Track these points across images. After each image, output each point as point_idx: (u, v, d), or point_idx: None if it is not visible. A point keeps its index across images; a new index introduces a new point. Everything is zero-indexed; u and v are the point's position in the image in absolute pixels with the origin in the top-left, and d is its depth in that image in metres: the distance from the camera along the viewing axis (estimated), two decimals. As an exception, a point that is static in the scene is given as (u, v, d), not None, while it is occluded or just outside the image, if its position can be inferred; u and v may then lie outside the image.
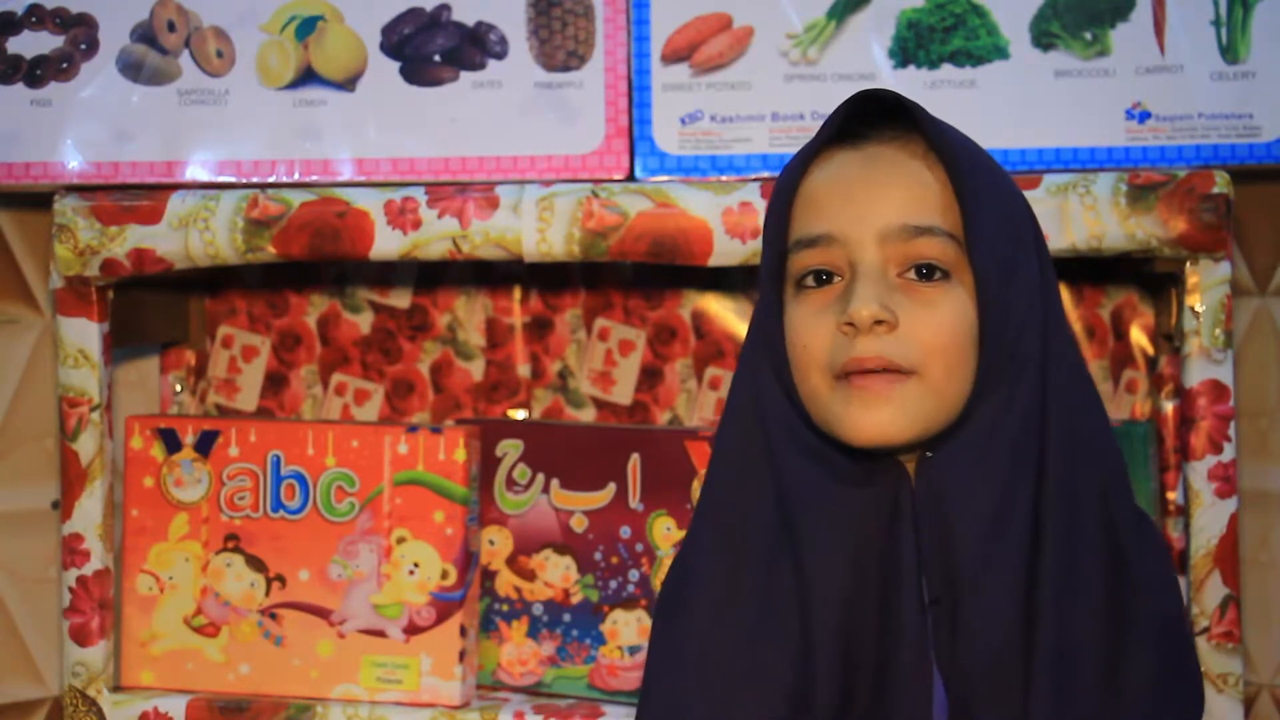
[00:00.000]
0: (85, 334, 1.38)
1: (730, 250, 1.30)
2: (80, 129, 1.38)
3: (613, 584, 1.39)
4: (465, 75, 1.36)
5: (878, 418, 0.92)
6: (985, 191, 0.95)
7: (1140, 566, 0.96)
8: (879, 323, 0.92)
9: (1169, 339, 1.50)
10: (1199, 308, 1.28)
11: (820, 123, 0.98)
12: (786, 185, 0.98)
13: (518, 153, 1.36)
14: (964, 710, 0.92)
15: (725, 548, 0.98)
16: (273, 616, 1.40)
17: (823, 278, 0.95)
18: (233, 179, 1.37)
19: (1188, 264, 1.28)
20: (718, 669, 0.96)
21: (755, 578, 0.96)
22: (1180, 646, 0.97)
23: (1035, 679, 0.91)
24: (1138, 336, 1.57)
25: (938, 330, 0.92)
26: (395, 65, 1.37)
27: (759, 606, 0.96)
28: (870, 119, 0.98)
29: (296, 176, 1.37)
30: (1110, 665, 0.93)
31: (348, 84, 1.37)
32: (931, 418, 0.93)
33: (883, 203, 0.94)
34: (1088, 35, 1.32)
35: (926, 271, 0.93)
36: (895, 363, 0.92)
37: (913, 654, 0.93)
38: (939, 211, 0.94)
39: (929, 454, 0.94)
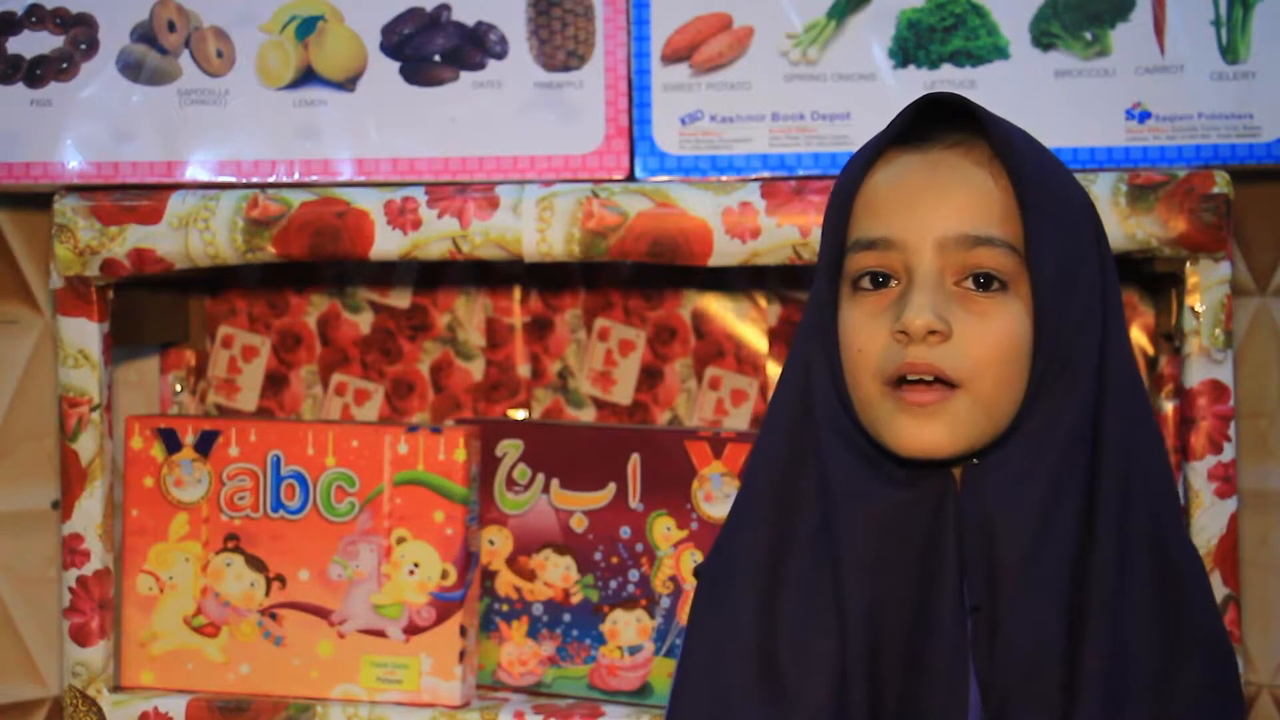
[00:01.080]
0: (85, 334, 1.38)
1: (730, 250, 1.30)
2: (80, 129, 1.38)
3: (613, 584, 1.39)
4: (465, 75, 1.36)
5: (927, 434, 0.92)
6: (1049, 202, 0.94)
7: (1191, 583, 0.95)
8: (932, 332, 0.91)
9: (1169, 339, 1.50)
10: (1199, 308, 1.28)
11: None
12: (848, 183, 0.97)
13: (518, 153, 1.36)
14: (999, 718, 0.92)
15: (770, 538, 0.97)
16: (273, 616, 1.40)
17: (879, 280, 0.95)
18: (233, 179, 1.37)
19: (1188, 264, 1.28)
20: (763, 659, 0.95)
21: (800, 572, 0.96)
22: (1229, 667, 0.97)
23: (1083, 689, 0.91)
24: (1138, 336, 1.57)
25: (991, 343, 0.92)
26: (395, 65, 1.37)
27: (803, 600, 0.95)
28: (935, 122, 0.97)
29: (296, 176, 1.37)
30: (1161, 679, 0.93)
31: (348, 84, 1.37)
32: (980, 430, 0.92)
33: (944, 210, 0.93)
34: (1088, 35, 1.32)
35: (984, 282, 0.93)
36: (945, 373, 0.91)
37: (949, 659, 0.92)
38: (1000, 221, 0.93)
39: (975, 461, 0.94)
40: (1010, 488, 0.93)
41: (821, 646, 0.94)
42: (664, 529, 1.38)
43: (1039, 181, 0.94)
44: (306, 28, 1.37)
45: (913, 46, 1.33)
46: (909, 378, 0.92)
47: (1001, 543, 0.92)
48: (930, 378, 0.92)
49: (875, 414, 0.94)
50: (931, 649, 0.93)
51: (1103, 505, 0.93)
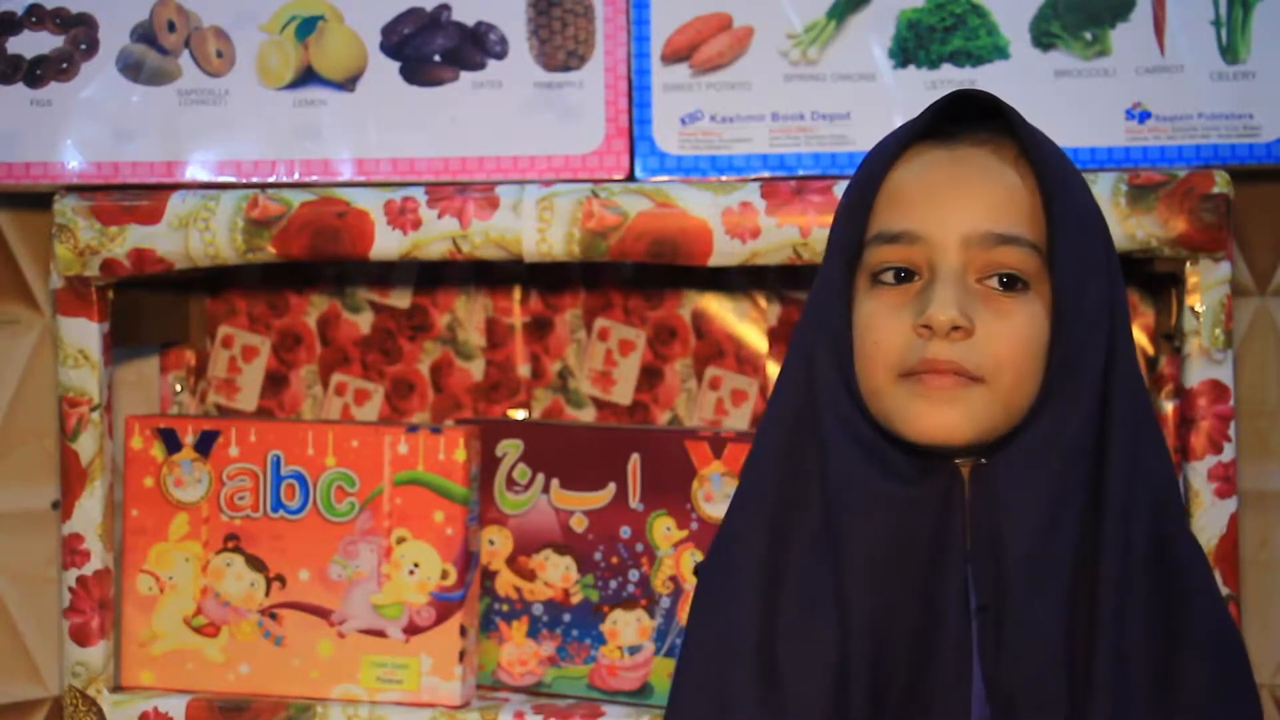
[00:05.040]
0: (85, 334, 1.38)
1: (730, 250, 1.30)
2: (80, 129, 1.38)
3: (613, 584, 1.39)
4: (465, 75, 1.36)
5: (943, 417, 0.91)
6: (1072, 205, 0.94)
7: (1196, 583, 0.95)
8: (956, 328, 0.91)
9: (1169, 339, 1.50)
10: (1199, 308, 1.28)
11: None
12: (871, 175, 0.97)
13: (518, 153, 1.36)
14: (1006, 719, 0.92)
15: (770, 536, 0.97)
16: (273, 616, 1.40)
17: (901, 275, 0.94)
18: (233, 179, 1.37)
19: (1188, 264, 1.28)
20: (762, 659, 0.95)
21: (801, 566, 0.95)
22: (1239, 663, 0.97)
23: (1095, 691, 0.90)
24: (1138, 336, 1.57)
25: (1012, 342, 0.92)
26: (395, 65, 1.37)
27: (804, 597, 0.95)
28: (962, 119, 0.97)
29: (296, 176, 1.37)
30: (1166, 680, 0.93)
31: (348, 84, 1.37)
32: (995, 424, 0.92)
33: (970, 207, 0.93)
34: (1088, 35, 1.32)
35: (1007, 281, 0.92)
36: (966, 369, 0.91)
37: (954, 658, 0.92)
38: (1025, 221, 0.93)
39: (984, 461, 0.94)
40: (1018, 488, 0.93)
41: (822, 646, 0.93)
42: (664, 529, 1.38)
43: (1064, 184, 0.94)
44: (306, 28, 1.37)
45: (913, 46, 1.33)
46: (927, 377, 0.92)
47: (1008, 543, 0.92)
48: (950, 373, 0.91)
49: (889, 402, 0.93)
50: (936, 649, 0.92)
51: (1109, 507, 0.92)
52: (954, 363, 0.91)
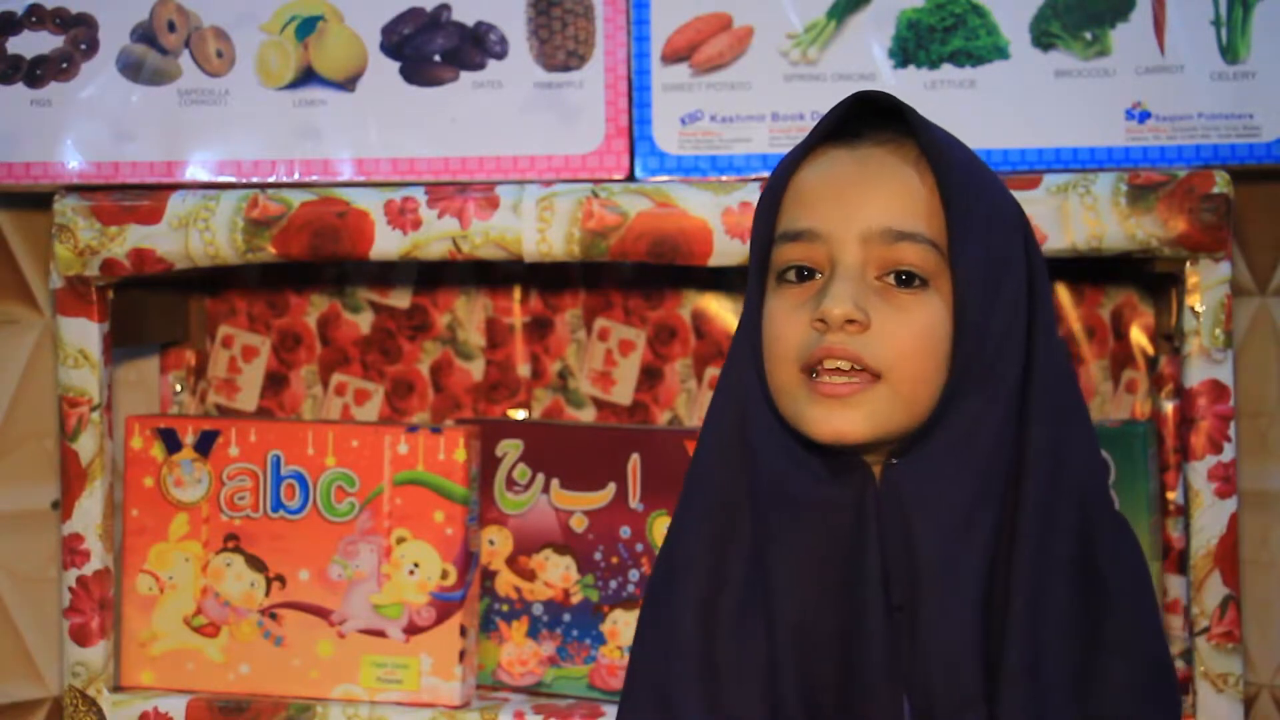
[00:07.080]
0: (85, 334, 1.38)
1: (730, 250, 1.30)
2: (80, 129, 1.38)
3: (613, 584, 1.39)
4: (465, 75, 1.36)
5: (842, 420, 0.92)
6: (973, 201, 0.94)
7: (1116, 581, 0.96)
8: (851, 322, 0.92)
9: (1169, 339, 1.50)
10: (1199, 308, 1.28)
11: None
12: (778, 179, 0.99)
13: (518, 153, 1.36)
14: (926, 717, 0.92)
15: (709, 540, 0.98)
16: (273, 616, 1.40)
17: (804, 273, 0.96)
18: (233, 179, 1.37)
19: (1188, 264, 1.28)
20: (703, 662, 0.96)
21: (738, 574, 0.97)
22: (1158, 673, 0.97)
23: (1003, 691, 0.91)
24: (1138, 336, 1.57)
25: (909, 337, 0.92)
26: (395, 65, 1.37)
27: (739, 603, 0.96)
28: (867, 120, 0.98)
29: (296, 176, 1.37)
30: (1081, 679, 0.93)
31: (348, 84, 1.37)
32: (896, 421, 0.93)
33: (869, 204, 0.94)
34: (1088, 35, 1.32)
35: (906, 278, 0.94)
36: (863, 360, 0.92)
37: (879, 657, 0.93)
38: (924, 218, 0.94)
39: (894, 460, 0.94)
40: (928, 488, 0.93)
41: (755, 652, 0.95)
42: (664, 529, 1.38)
43: (964, 181, 0.95)
44: (306, 28, 1.37)
45: (913, 46, 1.33)
46: (826, 364, 0.92)
47: (919, 543, 0.93)
48: (848, 364, 0.92)
49: (792, 402, 0.94)
50: (860, 650, 0.93)
51: (1024, 508, 0.93)
52: (849, 352, 0.92)
